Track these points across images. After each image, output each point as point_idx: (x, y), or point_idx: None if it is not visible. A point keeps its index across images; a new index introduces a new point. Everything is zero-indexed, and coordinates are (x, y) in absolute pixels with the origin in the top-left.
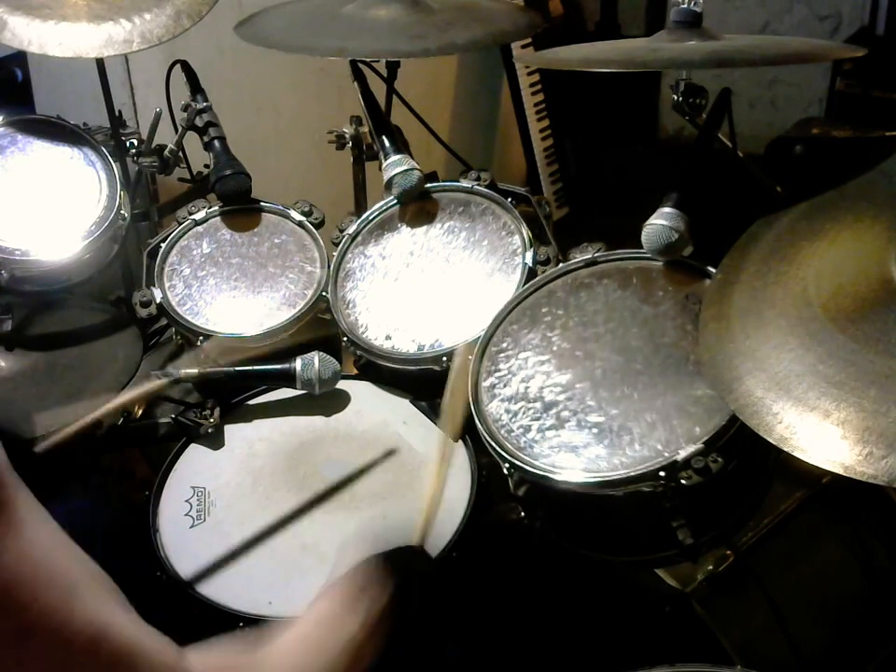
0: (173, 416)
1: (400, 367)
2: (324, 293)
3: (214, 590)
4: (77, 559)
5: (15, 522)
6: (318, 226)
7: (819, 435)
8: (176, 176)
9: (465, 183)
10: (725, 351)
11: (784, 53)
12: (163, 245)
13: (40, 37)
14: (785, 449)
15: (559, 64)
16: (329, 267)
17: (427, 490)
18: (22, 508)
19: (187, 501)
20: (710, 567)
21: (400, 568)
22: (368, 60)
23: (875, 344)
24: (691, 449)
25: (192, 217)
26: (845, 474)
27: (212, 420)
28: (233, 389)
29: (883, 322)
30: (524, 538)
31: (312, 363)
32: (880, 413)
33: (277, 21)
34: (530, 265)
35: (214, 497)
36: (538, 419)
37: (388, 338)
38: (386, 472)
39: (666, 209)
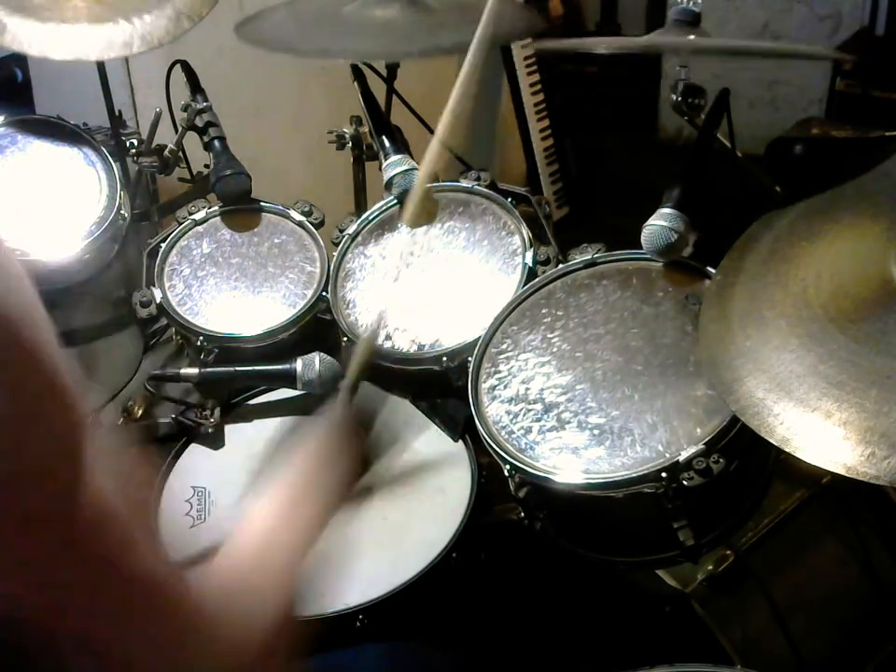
0: (173, 416)
1: (400, 367)
2: (324, 293)
3: None
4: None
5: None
6: (318, 226)
7: (821, 436)
8: (176, 176)
9: (465, 183)
10: (726, 352)
11: (776, 49)
12: (163, 245)
13: (40, 40)
14: (787, 450)
15: (567, 46)
16: (329, 267)
17: None
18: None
19: (187, 501)
20: (710, 567)
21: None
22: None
23: (876, 345)
24: (692, 450)
25: (192, 217)
26: (847, 475)
27: (212, 420)
28: (233, 389)
29: (883, 322)
30: (524, 538)
31: (313, 364)
32: (882, 414)
33: (277, 21)
34: (530, 265)
35: (214, 497)
36: (538, 420)
37: (388, 338)
38: (387, 471)
39: (666, 210)
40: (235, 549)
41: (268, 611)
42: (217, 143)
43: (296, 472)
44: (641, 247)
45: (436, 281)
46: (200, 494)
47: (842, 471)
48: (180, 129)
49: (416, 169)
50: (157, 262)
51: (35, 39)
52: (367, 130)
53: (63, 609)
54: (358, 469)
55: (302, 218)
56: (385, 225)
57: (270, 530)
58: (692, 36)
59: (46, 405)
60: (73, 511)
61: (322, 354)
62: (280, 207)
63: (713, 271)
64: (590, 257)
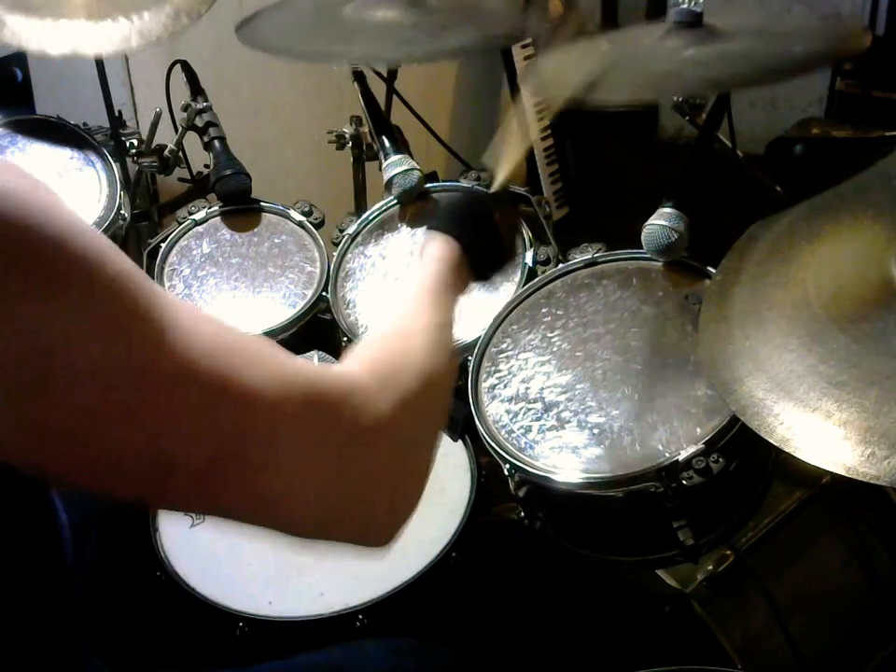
0: None
1: None
2: (324, 293)
3: (214, 590)
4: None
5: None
6: (318, 226)
7: (821, 436)
8: (176, 176)
9: (465, 183)
10: (725, 352)
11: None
12: (163, 245)
13: (39, 35)
14: (787, 450)
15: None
16: (329, 267)
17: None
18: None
19: None
20: (710, 567)
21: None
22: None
23: (877, 345)
24: (692, 449)
25: (192, 217)
26: (847, 475)
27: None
28: None
29: (884, 322)
30: (523, 537)
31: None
32: (882, 414)
33: (277, 24)
34: (530, 265)
35: None
36: (538, 420)
37: None
38: None
39: (666, 209)
40: (381, 327)
41: (437, 361)
42: (217, 143)
43: (436, 262)
44: (641, 247)
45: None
46: None
47: (842, 471)
48: (180, 129)
49: (416, 169)
50: (157, 262)
51: (34, 35)
52: (367, 130)
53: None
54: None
55: (302, 218)
56: (385, 225)
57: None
58: (692, 50)
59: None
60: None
61: (322, 354)
62: (280, 207)
63: (713, 271)
64: (590, 256)
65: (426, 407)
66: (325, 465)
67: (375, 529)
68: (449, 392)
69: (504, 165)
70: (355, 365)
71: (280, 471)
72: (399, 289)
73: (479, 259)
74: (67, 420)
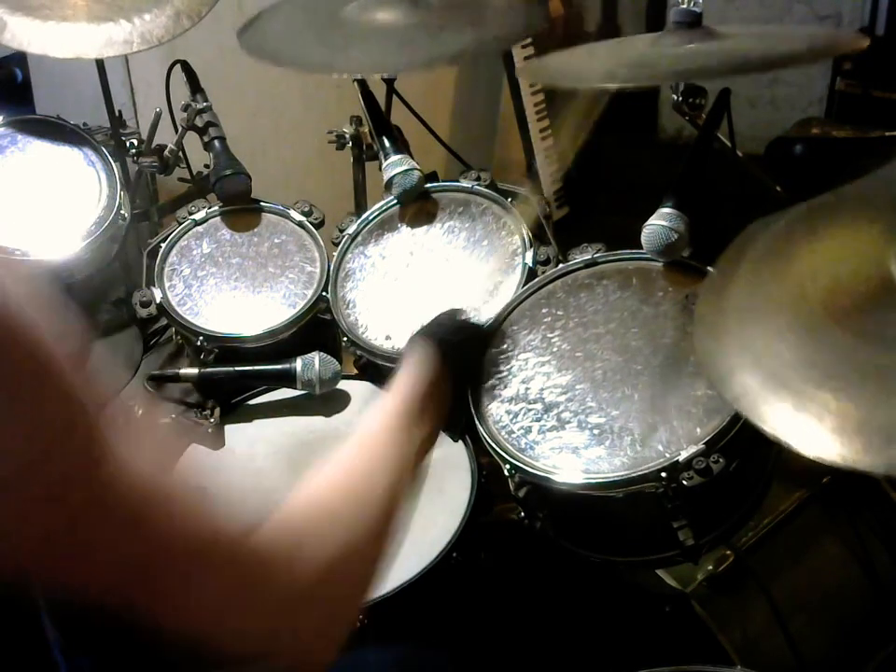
0: (173, 416)
1: None
2: (324, 293)
3: None
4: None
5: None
6: (318, 226)
7: (816, 428)
8: (176, 176)
9: (465, 183)
10: (721, 344)
11: (792, 52)
12: (163, 245)
13: (40, 38)
14: (781, 442)
15: (562, 81)
16: (329, 267)
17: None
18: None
19: None
20: (710, 567)
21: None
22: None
23: (873, 338)
24: (692, 450)
25: (192, 217)
26: (841, 465)
27: (212, 420)
28: (233, 389)
29: (881, 318)
30: (524, 538)
31: (312, 363)
32: (877, 406)
33: (278, 29)
34: (530, 265)
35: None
36: (538, 420)
37: (388, 338)
38: None
39: (666, 209)
40: (333, 466)
41: (364, 530)
42: (216, 143)
43: (406, 392)
44: (641, 247)
45: (436, 281)
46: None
47: (837, 461)
48: (180, 129)
49: (416, 169)
50: (157, 262)
51: (35, 37)
52: (367, 130)
53: (123, 583)
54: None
55: (302, 218)
56: (385, 225)
57: (372, 444)
58: (692, 45)
59: (46, 391)
60: (93, 479)
61: (322, 353)
62: (280, 207)
63: (713, 271)
64: (590, 257)
65: (357, 558)
66: (240, 615)
67: (307, 662)
68: (394, 540)
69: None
70: (291, 514)
71: (198, 614)
72: (371, 414)
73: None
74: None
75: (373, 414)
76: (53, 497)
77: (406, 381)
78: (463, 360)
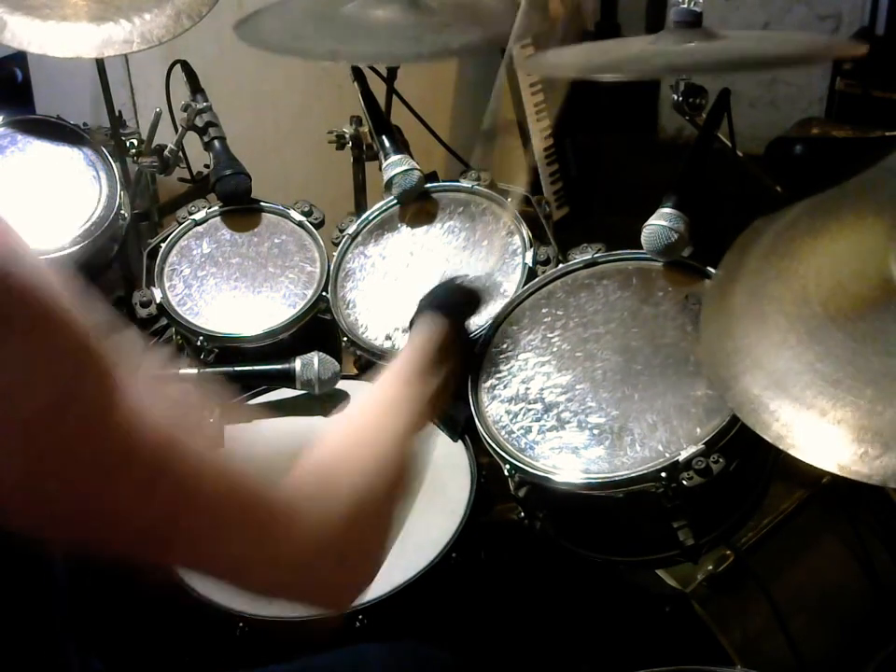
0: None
1: None
2: (324, 293)
3: (214, 590)
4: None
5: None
6: (318, 226)
7: (816, 433)
8: (176, 176)
9: (465, 183)
10: (724, 348)
11: (786, 54)
12: (163, 245)
13: (40, 38)
14: (781, 447)
15: (562, 72)
16: (329, 267)
17: None
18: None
19: None
20: (710, 567)
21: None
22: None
23: (874, 343)
24: (692, 450)
25: (192, 217)
26: (840, 473)
27: (212, 420)
28: (233, 389)
29: (882, 321)
30: (524, 538)
31: (311, 363)
32: (876, 413)
33: (276, 21)
34: (530, 265)
35: None
36: (538, 420)
37: (388, 338)
38: None
39: (666, 210)
40: (346, 419)
41: (381, 474)
42: (217, 143)
43: (414, 352)
44: (641, 247)
45: (436, 281)
46: None
47: (835, 470)
48: (180, 129)
49: (416, 169)
50: (157, 262)
51: (35, 37)
52: (367, 130)
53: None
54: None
55: (302, 218)
56: (385, 225)
57: (383, 400)
58: (692, 43)
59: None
60: (111, 424)
61: (321, 354)
62: (280, 207)
63: (713, 271)
64: (590, 257)
65: (382, 502)
66: (263, 561)
67: (326, 600)
68: (411, 483)
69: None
70: (306, 466)
71: (219, 554)
72: (382, 373)
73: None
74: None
75: (384, 375)
76: (72, 443)
77: (413, 343)
78: (465, 316)
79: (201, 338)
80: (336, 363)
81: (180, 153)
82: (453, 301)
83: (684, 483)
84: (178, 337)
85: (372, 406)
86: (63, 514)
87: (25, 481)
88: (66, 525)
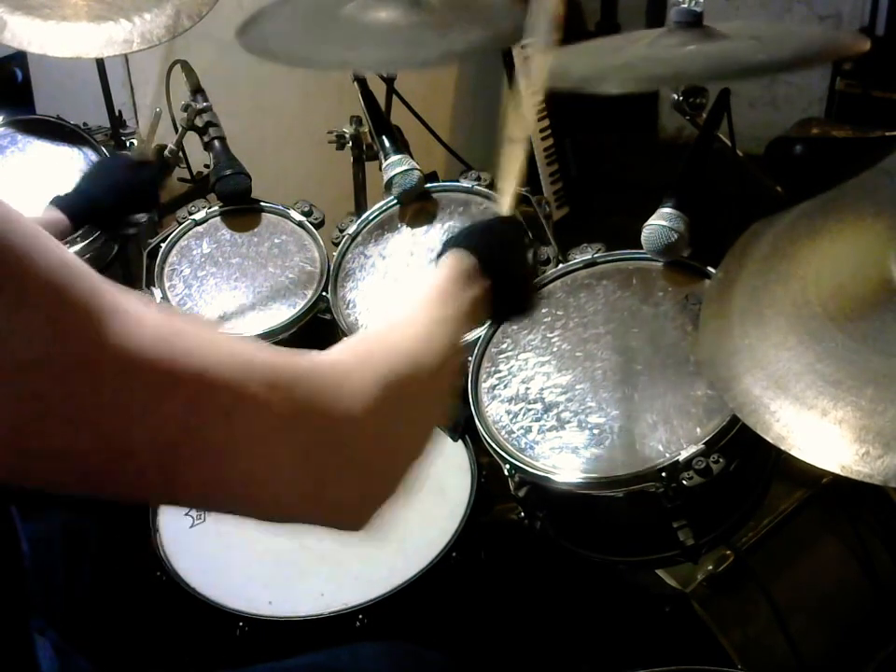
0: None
1: None
2: (324, 293)
3: (214, 590)
4: None
5: None
6: (318, 226)
7: (817, 434)
8: (176, 176)
9: (465, 183)
10: (724, 349)
11: (789, 57)
12: (163, 245)
13: (40, 38)
14: (782, 447)
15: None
16: (329, 267)
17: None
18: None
19: None
20: (710, 567)
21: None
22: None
23: (874, 343)
24: (692, 449)
25: (192, 217)
26: (841, 473)
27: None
28: None
29: (882, 321)
30: (524, 538)
31: None
32: (877, 413)
33: (279, 29)
34: None
35: None
36: (538, 420)
37: None
38: None
39: (666, 210)
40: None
41: (407, 370)
42: (217, 143)
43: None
44: (641, 247)
45: None
46: None
47: (836, 470)
48: (180, 129)
49: (416, 169)
50: (157, 262)
51: (35, 37)
52: (367, 130)
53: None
54: None
55: (302, 218)
56: (385, 225)
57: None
58: (692, 46)
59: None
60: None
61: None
62: (280, 207)
63: (713, 271)
64: (590, 257)
65: (413, 392)
66: (289, 450)
67: (345, 514)
68: (446, 386)
69: (510, 179)
70: (340, 347)
71: (240, 455)
72: (406, 291)
73: (503, 289)
74: (9, 417)
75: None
76: (69, 381)
77: (436, 273)
78: (500, 252)
79: None
80: None
81: (180, 153)
82: (480, 236)
83: (684, 482)
84: None
85: (398, 316)
86: (68, 451)
87: (25, 428)
88: (69, 464)
